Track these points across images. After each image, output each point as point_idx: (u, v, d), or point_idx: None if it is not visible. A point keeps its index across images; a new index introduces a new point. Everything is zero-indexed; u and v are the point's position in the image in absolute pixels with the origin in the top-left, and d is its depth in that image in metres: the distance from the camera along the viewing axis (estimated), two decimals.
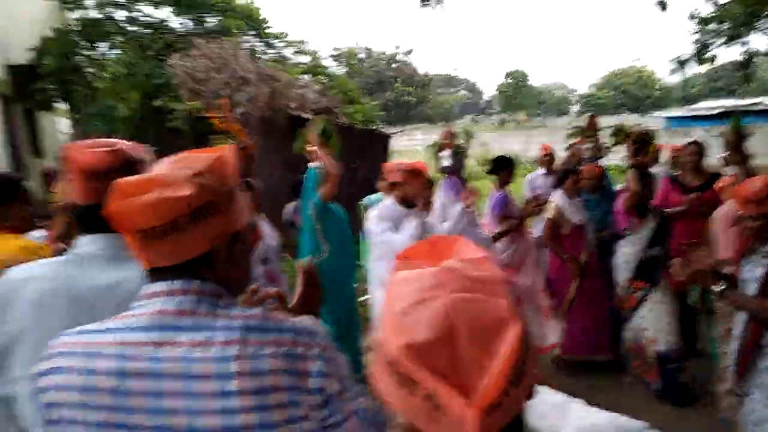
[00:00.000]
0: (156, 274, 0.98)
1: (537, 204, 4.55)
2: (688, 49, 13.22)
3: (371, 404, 1.05)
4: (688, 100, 50.64)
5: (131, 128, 14.66)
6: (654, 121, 25.68)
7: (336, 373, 1.00)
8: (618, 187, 5.11)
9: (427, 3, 6.08)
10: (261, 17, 11.68)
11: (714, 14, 12.31)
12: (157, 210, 0.91)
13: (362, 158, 8.63)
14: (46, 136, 14.95)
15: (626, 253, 4.02)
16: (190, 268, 0.97)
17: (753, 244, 2.53)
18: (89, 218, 1.33)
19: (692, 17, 12.96)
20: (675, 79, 50.07)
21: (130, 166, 1.34)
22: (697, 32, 12.83)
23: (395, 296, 0.65)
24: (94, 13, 11.39)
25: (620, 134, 4.81)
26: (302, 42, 11.86)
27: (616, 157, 5.83)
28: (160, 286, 0.97)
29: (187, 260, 0.96)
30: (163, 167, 0.99)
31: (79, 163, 1.32)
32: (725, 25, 12.14)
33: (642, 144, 4.29)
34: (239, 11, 11.35)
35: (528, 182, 6.43)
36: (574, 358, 4.46)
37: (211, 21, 11.60)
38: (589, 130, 5.15)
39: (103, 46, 11.65)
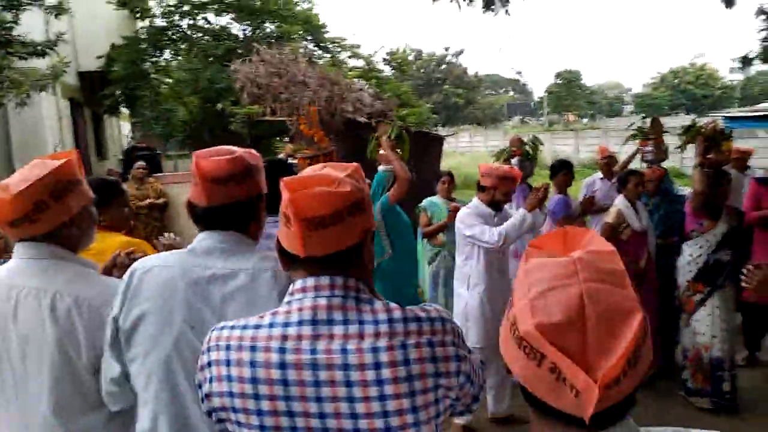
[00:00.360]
0: (309, 263, 1.08)
1: (592, 205, 4.55)
2: (753, 46, 12.67)
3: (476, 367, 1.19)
4: (750, 99, 48.41)
5: (188, 130, 15.31)
6: (710, 120, 24.79)
7: (466, 352, 1.13)
8: (686, 189, 5.00)
9: (491, 9, 6.09)
10: (320, 23, 11.96)
11: None
12: (325, 201, 1.04)
13: (418, 161, 8.72)
14: (109, 139, 15.76)
15: (691, 255, 3.92)
16: (340, 260, 1.08)
17: None
18: (209, 217, 1.50)
19: (760, 12, 12.45)
20: (737, 77, 48.13)
21: (248, 171, 1.51)
22: (764, 30, 12.30)
23: (530, 280, 0.73)
24: (160, 22, 11.91)
25: (692, 131, 4.62)
26: (357, 46, 12.04)
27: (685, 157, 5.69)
28: (311, 281, 1.08)
29: (340, 251, 1.07)
30: (317, 169, 1.14)
31: (203, 169, 1.47)
32: None
33: (713, 142, 4.17)
34: (299, 17, 11.65)
35: (586, 186, 5.96)
36: None
37: (271, 27, 11.94)
38: (653, 132, 5.03)
39: (168, 53, 12.19)
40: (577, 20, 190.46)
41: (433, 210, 4.70)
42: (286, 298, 1.12)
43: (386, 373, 1.01)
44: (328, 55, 12.46)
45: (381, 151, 3.94)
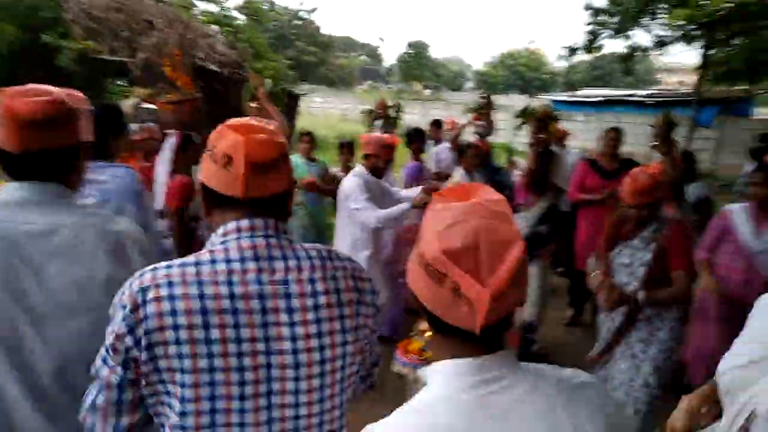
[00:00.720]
0: (244, 205, 1.16)
1: (440, 179, 4.83)
2: (579, 37, 14.17)
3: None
4: (571, 85, 54.34)
5: (8, 66, 13.14)
6: (540, 102, 27.36)
7: (378, 294, 1.32)
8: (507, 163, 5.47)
9: None
10: None
11: (608, 7, 13.30)
12: (271, 147, 1.15)
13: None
14: None
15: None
16: (272, 204, 1.19)
17: (631, 233, 2.84)
18: (23, 166, 1.37)
19: (588, 7, 13.95)
20: (562, 64, 53.52)
21: (68, 116, 1.39)
22: (590, 23, 13.82)
23: (437, 218, 0.89)
24: None
25: (526, 113, 5.00)
26: None
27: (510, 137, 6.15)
28: (246, 222, 1.16)
29: (273, 195, 1.18)
30: (244, 120, 1.20)
31: (15, 111, 1.31)
32: (615, 18, 13.13)
33: (544, 123, 4.50)
34: None
35: (433, 155, 6.17)
36: None
37: None
38: (485, 108, 5.37)
39: None
40: None
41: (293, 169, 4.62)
42: (219, 239, 1.17)
43: (322, 299, 1.17)
44: None
45: (253, 104, 3.85)
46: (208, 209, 1.22)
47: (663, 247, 2.74)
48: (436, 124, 6.68)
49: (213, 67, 7.86)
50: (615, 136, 4.68)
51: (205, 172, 1.18)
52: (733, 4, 7.28)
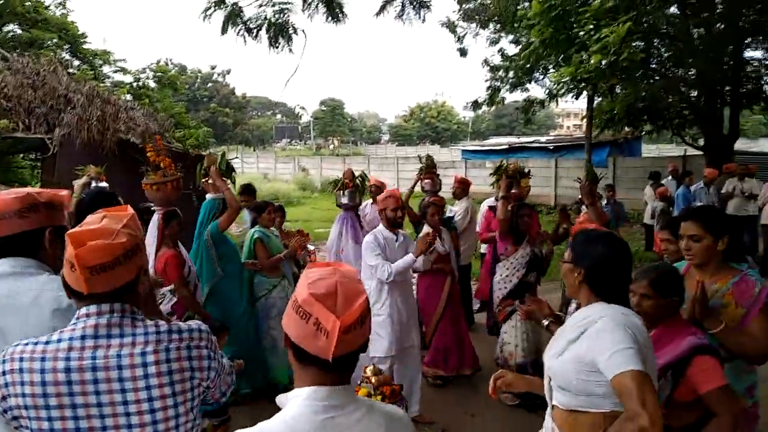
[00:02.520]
0: (92, 298, 1.37)
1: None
2: (482, 90, 15.38)
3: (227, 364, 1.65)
4: (479, 134, 57.59)
5: None
6: (452, 153, 28.86)
7: (218, 355, 1.54)
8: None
9: (276, 46, 6.47)
10: (78, 32, 10.87)
11: (502, 64, 14.63)
12: (105, 251, 1.33)
13: (195, 183, 8.65)
14: None
15: (501, 275, 4.56)
16: (119, 293, 1.39)
17: None
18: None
19: (485, 64, 15.26)
20: (469, 114, 56.75)
21: (35, 207, 1.76)
22: (488, 79, 15.09)
23: (308, 276, 1.24)
24: None
25: (499, 170, 5.35)
26: (123, 60, 11.29)
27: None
28: (94, 308, 1.38)
29: (120, 286, 1.39)
30: (96, 220, 1.41)
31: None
32: (511, 74, 14.42)
33: (515, 178, 4.90)
34: (52, 23, 10.44)
35: (361, 210, 6.28)
36: (440, 374, 4.78)
37: (17, 31, 10.49)
38: (430, 168, 5.76)
39: None
40: (340, 53, 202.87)
41: (269, 241, 4.63)
42: (72, 321, 1.40)
43: (152, 368, 1.36)
44: (89, 68, 11.42)
45: (209, 180, 4.08)
46: (70, 299, 1.45)
47: None
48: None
49: (135, 140, 7.95)
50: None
51: (64, 272, 1.39)
52: (606, 61, 8.35)
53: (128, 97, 10.27)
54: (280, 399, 1.32)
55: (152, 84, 13.28)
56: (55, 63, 8.67)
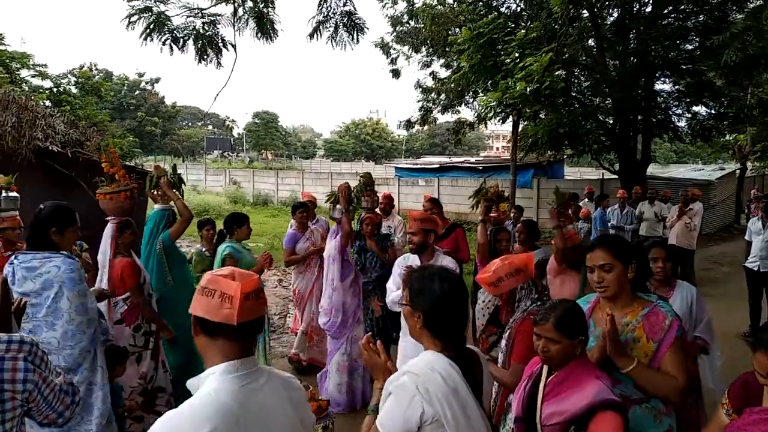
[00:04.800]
0: None
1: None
2: (415, 110, 15.75)
3: (64, 381, 1.75)
4: (413, 152, 58.64)
5: None
6: (387, 170, 29.25)
7: (40, 367, 1.61)
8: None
9: (204, 59, 6.38)
10: None
11: (434, 86, 15.06)
12: None
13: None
14: None
15: (483, 301, 4.26)
16: None
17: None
18: None
19: (417, 86, 15.66)
20: (403, 132, 57.69)
21: None
22: (420, 100, 15.48)
23: (215, 273, 1.51)
24: None
25: (479, 193, 5.31)
26: (44, 65, 10.74)
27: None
28: None
29: None
30: None
31: None
32: (443, 96, 14.87)
33: (495, 202, 4.89)
34: None
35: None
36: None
37: None
38: (369, 186, 5.71)
39: None
40: (275, 66, 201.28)
41: (240, 257, 4.61)
42: None
43: None
44: (3, 70, 10.77)
45: (158, 192, 4.14)
46: None
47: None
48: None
49: (54, 148, 7.58)
50: (429, 204, 5.39)
51: None
52: (531, 88, 8.80)
53: (47, 103, 9.77)
54: (191, 383, 1.47)
55: (74, 90, 12.70)
56: None
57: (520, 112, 11.11)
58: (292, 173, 29.04)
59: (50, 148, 7.60)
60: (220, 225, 5.20)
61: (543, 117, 12.45)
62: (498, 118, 12.18)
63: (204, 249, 5.16)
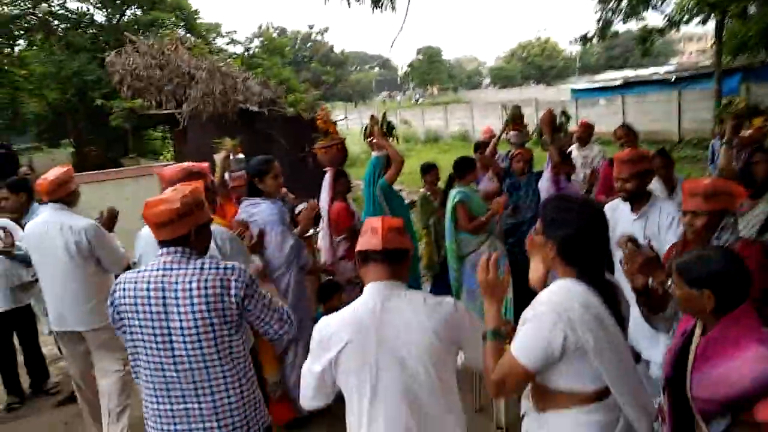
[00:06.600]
0: (162, 243, 2.03)
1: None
2: (590, 22, 14.33)
3: (273, 300, 2.17)
4: (588, 69, 53.91)
5: (45, 124, 14.04)
6: (560, 91, 27.35)
7: (247, 285, 2.02)
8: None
9: (379, 6, 6.47)
10: (192, 9, 11.52)
11: None
12: (164, 213, 1.98)
13: (310, 146, 8.98)
14: None
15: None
16: (179, 240, 2.01)
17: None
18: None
19: None
20: (575, 48, 53.20)
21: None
22: (598, 11, 14.00)
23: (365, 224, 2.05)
24: (9, 9, 10.77)
25: (726, 109, 4.77)
26: (234, 32, 11.81)
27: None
28: (165, 250, 2.02)
29: (178, 236, 2.00)
30: (169, 192, 2.05)
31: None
32: (624, 2, 13.29)
33: (744, 117, 4.26)
34: (168, 3, 11.14)
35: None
36: None
37: (137, 13, 11.31)
38: (519, 118, 5.35)
39: (22, 42, 11.09)
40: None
41: (468, 200, 4.49)
42: (154, 257, 2.07)
43: (194, 291, 1.95)
44: (203, 42, 12.08)
45: (374, 140, 4.28)
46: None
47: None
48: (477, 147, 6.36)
49: (254, 108, 8.44)
50: (623, 133, 4.78)
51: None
52: None
53: (243, 68, 10.79)
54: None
55: (260, 51, 13.81)
56: (176, 42, 9.29)
57: (726, 10, 9.54)
58: (460, 107, 28.58)
59: (250, 108, 8.48)
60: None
61: (754, 12, 10.53)
62: (697, 20, 10.63)
63: (429, 193, 5.23)
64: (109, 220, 3.87)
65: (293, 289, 3.57)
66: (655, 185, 4.00)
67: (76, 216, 3.44)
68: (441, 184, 5.16)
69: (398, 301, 1.85)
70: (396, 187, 4.87)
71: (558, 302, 1.65)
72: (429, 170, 5.22)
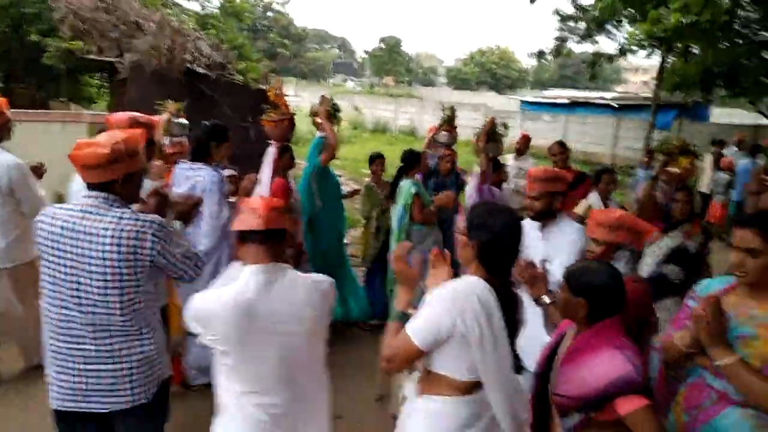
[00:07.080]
0: (89, 187, 2.05)
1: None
2: (548, 38, 14.81)
3: (187, 249, 2.21)
4: (541, 84, 55.50)
5: None
6: (510, 102, 28.02)
7: (164, 240, 2.06)
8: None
9: None
10: None
11: (574, 15, 13.97)
12: (92, 157, 1.98)
13: (254, 117, 8.79)
14: None
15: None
16: (106, 186, 2.04)
17: None
18: None
19: (556, 12, 14.59)
20: (532, 62, 54.57)
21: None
22: (558, 29, 14.48)
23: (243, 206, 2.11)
24: None
25: (660, 147, 5.01)
26: None
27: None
28: (90, 193, 2.04)
29: (104, 182, 2.03)
30: (102, 136, 2.05)
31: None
32: (582, 25, 13.79)
33: (674, 156, 4.40)
34: None
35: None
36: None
37: None
38: (451, 120, 5.37)
39: None
40: None
41: (422, 193, 4.55)
42: (78, 199, 2.09)
43: (108, 239, 1.98)
44: None
45: (318, 120, 4.47)
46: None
47: None
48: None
49: (201, 70, 8.13)
50: (558, 150, 4.93)
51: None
52: (686, 21, 7.89)
53: (194, 26, 10.37)
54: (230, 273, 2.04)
55: (216, 12, 13.31)
56: None
57: (671, 46, 10.05)
58: (411, 101, 28.74)
59: (197, 70, 8.16)
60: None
61: (696, 53, 11.15)
62: (644, 52, 11.15)
63: (374, 184, 5.12)
64: (36, 173, 3.70)
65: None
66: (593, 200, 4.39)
67: (5, 152, 3.36)
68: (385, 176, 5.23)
69: (281, 283, 1.94)
70: (337, 172, 4.90)
71: (458, 291, 1.77)
72: (375, 160, 5.23)
